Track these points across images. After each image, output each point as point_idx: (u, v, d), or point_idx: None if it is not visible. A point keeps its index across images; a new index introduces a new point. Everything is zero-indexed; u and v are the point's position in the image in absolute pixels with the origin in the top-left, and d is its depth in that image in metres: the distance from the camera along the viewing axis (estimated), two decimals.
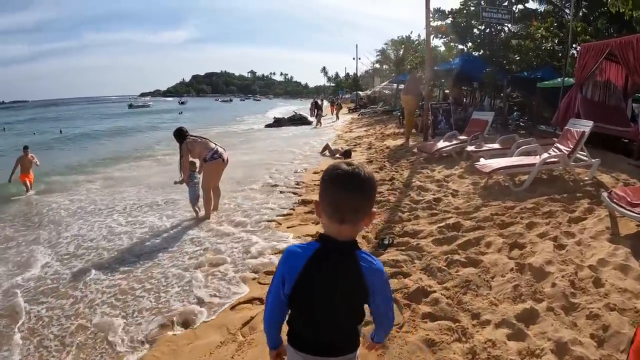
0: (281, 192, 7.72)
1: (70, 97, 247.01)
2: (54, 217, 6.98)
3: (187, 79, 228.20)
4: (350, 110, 39.12)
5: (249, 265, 4.43)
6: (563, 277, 3.16)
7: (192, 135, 6.23)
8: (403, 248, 4.17)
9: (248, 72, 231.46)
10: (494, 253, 3.83)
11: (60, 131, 30.04)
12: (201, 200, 6.37)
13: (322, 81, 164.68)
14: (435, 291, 3.21)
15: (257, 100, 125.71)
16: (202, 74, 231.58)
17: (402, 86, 29.83)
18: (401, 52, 35.04)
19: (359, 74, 54.44)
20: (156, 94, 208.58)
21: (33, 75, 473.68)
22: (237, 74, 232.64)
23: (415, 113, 13.33)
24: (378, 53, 44.92)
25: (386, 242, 4.30)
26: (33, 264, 4.88)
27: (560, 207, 4.82)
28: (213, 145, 6.15)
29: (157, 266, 4.58)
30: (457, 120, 13.35)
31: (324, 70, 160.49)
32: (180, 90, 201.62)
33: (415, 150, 10.10)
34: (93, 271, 4.51)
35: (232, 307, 3.61)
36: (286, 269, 1.39)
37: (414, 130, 13.56)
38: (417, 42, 33.94)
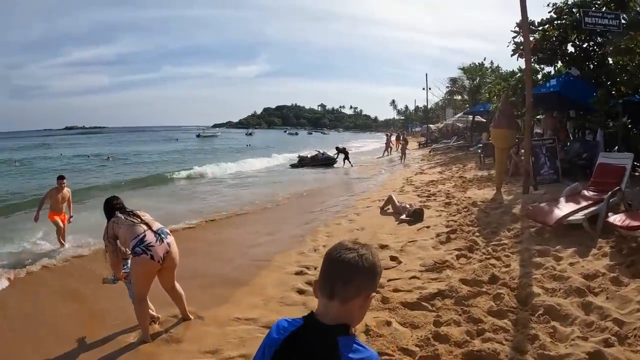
0: (299, 292, 4.89)
1: (148, 125, 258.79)
2: None
3: (259, 112, 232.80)
4: (421, 145, 36.10)
5: None
6: None
7: (123, 211, 3.96)
8: None
9: (318, 105, 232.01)
10: None
11: (16, 162, 29.60)
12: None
13: (391, 114, 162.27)
14: None
15: (325, 133, 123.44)
16: (273, 106, 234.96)
17: (478, 118, 26.80)
18: (477, 80, 31.62)
19: (429, 106, 50.96)
20: (228, 125, 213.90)
21: (112, 103, 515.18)
22: (307, 106, 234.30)
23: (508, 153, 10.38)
24: (448, 84, 41.62)
25: None
26: None
27: None
28: (141, 230, 3.77)
29: None
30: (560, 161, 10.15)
31: (393, 103, 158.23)
32: (251, 122, 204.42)
33: (516, 210, 7.18)
34: None
35: None
36: (268, 342, 1.24)
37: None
38: (490, 68, 30.50)
